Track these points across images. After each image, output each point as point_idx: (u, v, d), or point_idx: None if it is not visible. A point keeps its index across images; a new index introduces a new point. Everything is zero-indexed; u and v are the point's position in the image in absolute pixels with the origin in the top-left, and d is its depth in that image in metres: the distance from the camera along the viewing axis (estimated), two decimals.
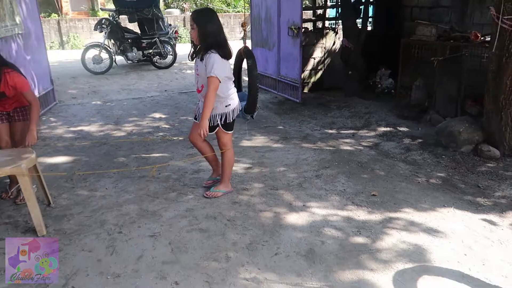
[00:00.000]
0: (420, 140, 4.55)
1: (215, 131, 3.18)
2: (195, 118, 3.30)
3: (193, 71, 7.89)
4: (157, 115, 5.93)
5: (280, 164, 3.98)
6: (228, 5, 18.17)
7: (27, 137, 3.06)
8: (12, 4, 5.15)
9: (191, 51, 3.19)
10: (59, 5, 16.94)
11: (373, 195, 3.32)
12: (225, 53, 3.00)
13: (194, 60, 3.12)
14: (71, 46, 14.42)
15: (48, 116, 5.86)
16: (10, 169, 2.66)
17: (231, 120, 3.18)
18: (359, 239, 2.71)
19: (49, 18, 15.25)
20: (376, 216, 3.00)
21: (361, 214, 3.02)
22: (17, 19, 5.29)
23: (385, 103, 6.05)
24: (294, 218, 2.97)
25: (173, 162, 4.04)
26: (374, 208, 3.11)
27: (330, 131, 5.04)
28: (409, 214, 3.03)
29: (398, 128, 5.01)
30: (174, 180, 3.63)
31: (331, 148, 4.41)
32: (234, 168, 3.88)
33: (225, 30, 13.36)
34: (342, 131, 5.01)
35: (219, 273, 2.38)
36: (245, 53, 3.84)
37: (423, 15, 6.34)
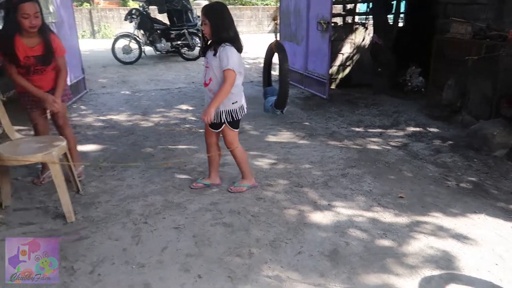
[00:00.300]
0: (450, 142, 4.42)
1: (221, 128, 3.13)
2: None
3: None
4: (184, 107, 5.97)
5: (306, 161, 3.94)
6: None
7: (52, 105, 3.11)
8: None
9: (202, 46, 3.17)
10: None
11: (400, 197, 3.24)
12: (238, 47, 2.97)
13: (206, 54, 3.08)
14: (102, 35, 14.69)
15: (79, 104, 6.00)
16: (42, 156, 2.73)
17: (238, 118, 3.13)
18: (385, 242, 2.66)
19: (81, 7, 15.57)
20: (403, 219, 2.93)
21: (387, 216, 2.96)
22: (51, 8, 5.41)
23: (414, 102, 5.90)
24: (319, 217, 2.94)
25: (198, 155, 4.07)
26: (401, 210, 3.05)
27: (357, 129, 4.95)
28: (437, 218, 2.95)
29: (428, 128, 4.87)
30: (199, 173, 3.66)
31: (358, 147, 4.33)
32: (258, 163, 3.88)
33: (253, 23, 13.52)
34: (370, 130, 4.91)
35: (241, 269, 2.39)
36: (276, 47, 3.79)
37: (458, 12, 6.10)
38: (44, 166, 3.37)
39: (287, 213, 3.00)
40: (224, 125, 3.10)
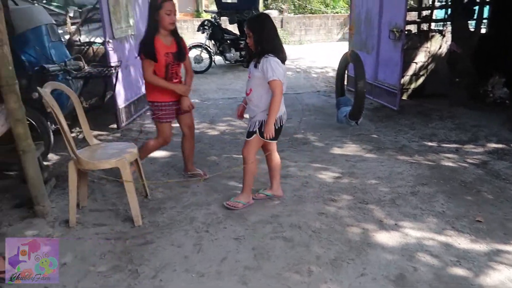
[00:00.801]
0: None
1: (252, 137, 3.10)
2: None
3: (287, 72, 7.85)
4: None
5: (372, 176, 3.77)
6: (327, 6, 17.86)
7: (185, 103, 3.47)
8: (128, 8, 5.66)
9: (247, 58, 3.24)
10: None
11: (478, 221, 2.96)
12: (282, 58, 2.96)
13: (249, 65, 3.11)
14: None
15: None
16: (115, 162, 2.90)
17: (276, 127, 3.03)
18: (459, 271, 2.43)
19: None
20: (480, 246, 2.67)
21: (462, 242, 2.72)
22: (131, 21, 5.79)
23: (497, 115, 5.40)
24: (385, 238, 2.78)
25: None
26: (478, 236, 2.78)
27: (430, 143, 4.64)
28: None
29: None
30: (261, 184, 3.65)
31: (430, 163, 4.05)
32: (322, 176, 3.79)
33: (322, 32, 13.25)
34: (444, 145, 4.58)
35: (300, 286, 2.32)
36: (351, 57, 3.74)
37: None
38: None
39: (350, 230, 2.88)
40: (255, 134, 3.08)
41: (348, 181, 3.68)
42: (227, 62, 9.94)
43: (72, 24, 6.45)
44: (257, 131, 3.06)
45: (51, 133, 4.07)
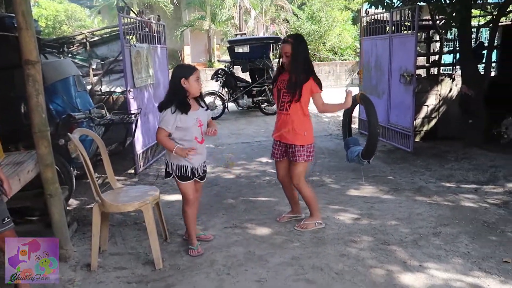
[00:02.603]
0: None
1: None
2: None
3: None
4: (263, 160, 6.11)
5: (391, 217, 3.74)
6: (335, 53, 18.46)
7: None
8: (148, 59, 5.95)
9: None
10: (182, 58, 19.08)
11: (506, 261, 2.89)
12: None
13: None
14: None
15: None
16: (138, 204, 2.95)
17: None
18: None
19: (172, 69, 17.22)
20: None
21: (491, 283, 2.64)
22: (150, 71, 6.06)
23: None
24: (410, 279, 2.72)
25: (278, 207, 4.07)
26: (508, 277, 2.70)
27: (448, 184, 4.62)
28: None
29: None
30: (280, 226, 3.64)
31: (450, 204, 4.01)
32: (341, 217, 3.77)
33: (331, 78, 13.66)
34: (462, 185, 4.54)
35: None
36: (361, 99, 3.96)
37: None
38: None
39: (374, 272, 2.82)
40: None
41: (368, 222, 3.65)
42: (239, 108, 10.19)
43: (95, 75, 6.77)
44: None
45: (74, 178, 4.16)
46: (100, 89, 6.81)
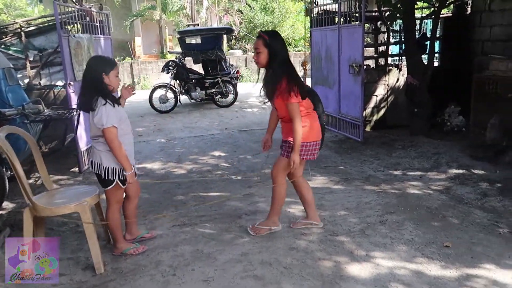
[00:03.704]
0: (499, 185, 4.11)
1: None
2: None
3: (253, 109, 7.99)
4: (216, 153, 6.00)
5: (341, 208, 3.77)
6: (289, 44, 18.54)
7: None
8: (90, 50, 5.62)
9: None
10: (133, 50, 18.42)
11: (446, 246, 2.99)
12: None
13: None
14: (142, 86, 15.41)
15: None
16: (74, 207, 2.75)
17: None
18: None
19: (123, 61, 16.56)
20: (451, 272, 2.67)
21: (433, 269, 2.71)
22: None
23: (455, 142, 5.62)
24: (357, 269, 2.74)
25: (229, 201, 3.99)
26: (448, 261, 2.79)
27: (395, 172, 4.74)
28: (490, 271, 2.67)
29: (472, 170, 4.58)
30: (230, 222, 3.56)
31: (396, 191, 4.11)
32: (291, 210, 3.75)
33: None
34: (409, 173, 4.68)
35: None
36: (307, 92, 3.80)
37: (497, 49, 5.92)
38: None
39: (322, 264, 2.82)
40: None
41: (318, 214, 3.65)
42: (192, 101, 9.98)
43: (32, 67, 6.32)
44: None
45: (6, 180, 3.85)
46: (39, 83, 6.39)
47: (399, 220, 3.45)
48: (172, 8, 17.89)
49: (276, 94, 2.95)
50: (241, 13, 19.26)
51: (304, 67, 4.99)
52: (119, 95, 3.17)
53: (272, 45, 2.92)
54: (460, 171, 4.60)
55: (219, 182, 4.68)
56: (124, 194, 3.06)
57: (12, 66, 4.83)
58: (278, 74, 2.90)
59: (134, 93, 3.15)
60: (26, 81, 6.28)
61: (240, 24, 19.04)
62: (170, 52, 16.45)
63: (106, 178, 2.82)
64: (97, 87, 2.75)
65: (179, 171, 5.24)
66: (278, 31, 3.25)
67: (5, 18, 15.55)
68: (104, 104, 2.72)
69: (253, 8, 18.69)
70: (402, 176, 4.60)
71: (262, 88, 3.09)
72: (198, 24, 16.09)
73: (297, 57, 16.60)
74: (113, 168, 2.83)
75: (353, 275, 2.68)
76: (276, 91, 2.93)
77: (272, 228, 3.31)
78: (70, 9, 5.26)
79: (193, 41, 10.44)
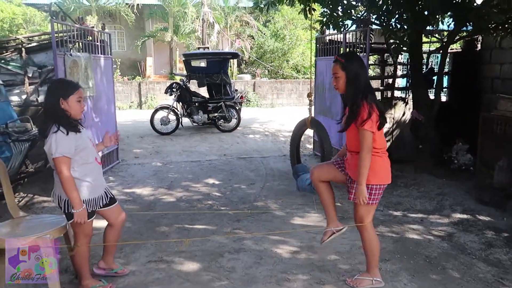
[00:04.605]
0: (505, 235, 3.80)
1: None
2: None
3: (255, 135, 7.72)
4: (210, 181, 5.78)
5: (332, 251, 3.49)
6: (298, 71, 18.54)
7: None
8: (88, 70, 5.52)
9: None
10: (143, 69, 18.56)
11: None
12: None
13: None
14: (148, 106, 15.41)
15: (108, 175, 5.98)
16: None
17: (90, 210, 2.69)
18: None
19: (132, 80, 16.65)
20: None
21: None
22: (90, 83, 5.63)
23: (461, 183, 5.32)
24: None
25: (213, 237, 3.74)
26: None
27: (395, 213, 4.45)
28: None
29: (477, 216, 4.27)
30: (210, 260, 3.30)
31: (394, 235, 3.82)
32: (278, 251, 3.49)
33: (293, 96, 13.59)
34: (409, 214, 4.39)
35: None
36: (312, 123, 3.56)
37: (506, 88, 5.70)
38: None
39: None
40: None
41: (306, 257, 3.38)
42: (194, 124, 9.85)
43: (31, 84, 6.24)
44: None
45: None
46: (37, 99, 6.28)
47: (394, 270, 3.16)
48: (184, 31, 18.09)
49: (354, 121, 2.70)
50: (253, 38, 19.39)
51: (310, 98, 4.83)
52: (86, 120, 2.97)
53: (350, 68, 2.72)
54: (465, 216, 4.29)
55: (207, 213, 4.43)
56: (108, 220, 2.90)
57: (1, 82, 4.72)
58: (358, 98, 2.68)
59: (117, 144, 2.95)
60: (24, 97, 6.18)
61: (251, 49, 19.14)
62: (175, 74, 16.52)
63: (67, 211, 2.60)
64: (53, 112, 2.57)
65: (168, 198, 5.01)
66: (356, 52, 2.98)
67: (23, 32, 15.79)
68: (55, 132, 2.53)
69: (264, 34, 18.82)
70: (402, 217, 4.31)
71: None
72: (208, 48, 16.17)
73: (305, 84, 16.58)
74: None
75: None
76: (355, 117, 2.67)
77: (374, 280, 2.90)
78: (69, 27, 5.19)
79: (199, 64, 10.40)
